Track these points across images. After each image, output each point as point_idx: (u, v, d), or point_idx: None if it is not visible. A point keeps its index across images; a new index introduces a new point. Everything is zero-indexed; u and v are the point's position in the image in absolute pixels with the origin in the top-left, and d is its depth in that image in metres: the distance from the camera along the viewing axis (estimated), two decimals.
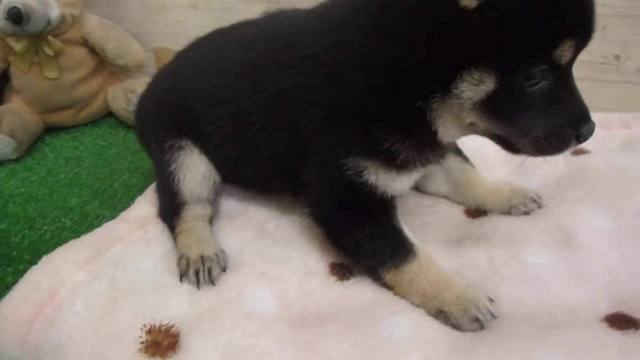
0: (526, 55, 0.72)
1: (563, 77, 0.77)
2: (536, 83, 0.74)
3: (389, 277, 0.85)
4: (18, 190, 1.40)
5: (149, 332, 0.77)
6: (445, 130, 0.82)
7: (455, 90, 0.75)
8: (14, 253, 1.17)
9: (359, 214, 0.88)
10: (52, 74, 1.57)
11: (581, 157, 1.14)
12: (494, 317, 0.78)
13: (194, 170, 1.03)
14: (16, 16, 1.43)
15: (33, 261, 1.12)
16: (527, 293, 0.82)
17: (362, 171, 0.84)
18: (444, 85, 0.75)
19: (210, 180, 1.05)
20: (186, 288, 0.87)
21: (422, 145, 0.86)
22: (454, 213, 1.04)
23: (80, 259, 0.89)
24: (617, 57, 1.42)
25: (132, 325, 0.78)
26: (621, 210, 0.97)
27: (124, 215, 1.06)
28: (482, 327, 0.77)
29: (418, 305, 0.82)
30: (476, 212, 1.04)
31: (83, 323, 0.79)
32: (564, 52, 0.73)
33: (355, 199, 0.87)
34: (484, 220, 1.01)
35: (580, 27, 0.75)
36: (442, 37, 0.73)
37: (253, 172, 1.04)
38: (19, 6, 1.43)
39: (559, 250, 0.89)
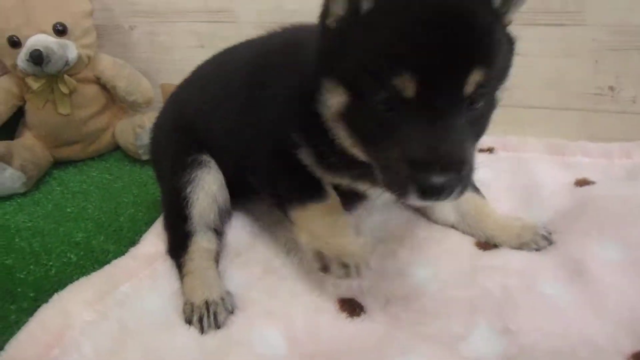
0: (368, 79, 0.69)
1: (418, 113, 0.66)
2: (384, 110, 0.68)
3: (294, 212, 0.86)
4: (25, 225, 1.35)
5: None
6: (343, 142, 0.79)
7: (321, 98, 0.76)
8: (19, 289, 1.10)
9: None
10: (65, 110, 1.56)
11: (586, 188, 1.10)
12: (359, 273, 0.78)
13: (207, 188, 1.02)
14: (38, 58, 1.44)
15: (38, 298, 1.07)
16: (546, 324, 0.77)
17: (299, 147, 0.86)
18: (317, 95, 0.77)
19: (220, 200, 1.03)
20: (194, 328, 0.81)
21: (340, 156, 0.82)
22: (465, 245, 1.00)
23: (89, 298, 0.86)
24: (611, 88, 1.39)
25: None
26: (629, 241, 0.92)
27: (133, 251, 1.02)
28: (348, 275, 0.77)
29: (303, 244, 0.84)
30: (487, 244, 0.99)
31: None
32: (403, 85, 0.65)
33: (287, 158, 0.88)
34: (495, 252, 0.96)
35: (421, 64, 0.65)
36: (319, 51, 0.77)
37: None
38: (40, 49, 1.44)
39: (572, 282, 0.85)
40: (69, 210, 1.40)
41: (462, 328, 0.79)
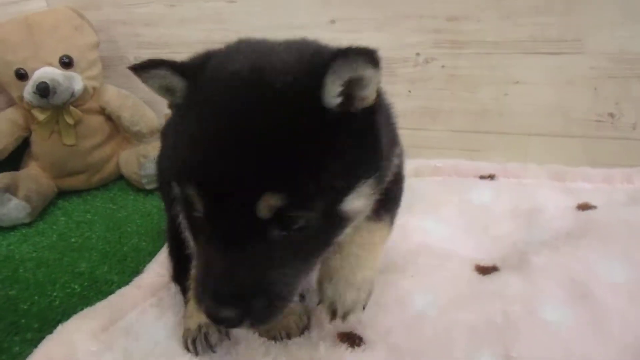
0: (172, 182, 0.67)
1: (212, 232, 0.60)
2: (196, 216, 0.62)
3: None
4: (29, 255, 1.38)
5: None
6: None
7: None
8: (22, 321, 1.13)
9: None
10: (70, 141, 1.59)
11: (589, 212, 1.12)
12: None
13: None
14: (44, 90, 1.48)
15: (42, 329, 1.09)
16: (548, 352, 0.78)
17: None
18: None
19: None
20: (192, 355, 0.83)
21: None
22: (464, 270, 1.01)
23: (94, 328, 0.88)
24: (611, 115, 1.42)
25: None
26: (634, 263, 0.93)
27: (137, 281, 1.04)
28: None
29: None
30: (486, 268, 1.00)
31: None
32: (192, 201, 0.60)
33: None
34: (495, 276, 0.97)
35: (207, 183, 0.58)
36: None
37: None
38: (47, 81, 1.48)
39: (575, 306, 0.86)
40: (73, 240, 1.43)
41: (463, 355, 0.80)
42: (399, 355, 0.81)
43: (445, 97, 1.54)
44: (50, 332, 1.06)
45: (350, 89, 0.60)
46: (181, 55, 1.77)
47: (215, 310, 0.58)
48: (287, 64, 0.61)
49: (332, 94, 0.59)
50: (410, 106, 1.58)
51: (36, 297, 1.20)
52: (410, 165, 1.42)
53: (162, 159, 0.74)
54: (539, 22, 1.36)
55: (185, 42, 1.77)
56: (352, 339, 0.85)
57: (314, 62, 0.60)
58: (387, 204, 0.83)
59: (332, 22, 1.55)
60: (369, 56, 0.57)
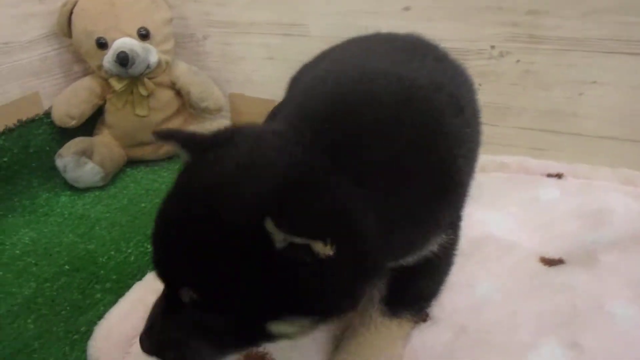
0: None
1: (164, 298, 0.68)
2: None
3: None
4: (104, 215, 1.50)
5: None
6: None
7: None
8: (102, 272, 1.25)
9: None
10: (142, 112, 1.71)
11: None
12: None
13: None
14: (124, 60, 1.60)
15: (120, 280, 1.21)
16: (615, 345, 0.81)
17: None
18: None
19: None
20: None
21: None
22: (529, 261, 1.05)
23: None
24: None
25: None
26: None
27: None
28: None
29: None
30: (552, 260, 1.05)
31: None
32: None
33: None
34: (561, 268, 1.02)
35: (154, 262, 0.65)
36: None
37: None
38: (127, 51, 1.60)
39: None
40: (143, 205, 1.55)
41: (529, 339, 0.85)
42: (463, 334, 0.87)
43: (517, 93, 1.57)
44: (128, 283, 1.18)
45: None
46: (250, 35, 1.86)
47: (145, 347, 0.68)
48: (244, 194, 0.59)
49: (277, 240, 0.56)
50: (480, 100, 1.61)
51: (112, 252, 1.32)
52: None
53: None
54: (624, 20, 1.37)
55: (254, 23, 1.85)
56: None
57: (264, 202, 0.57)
58: (409, 296, 0.84)
59: (406, 9, 1.60)
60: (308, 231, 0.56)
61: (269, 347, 0.83)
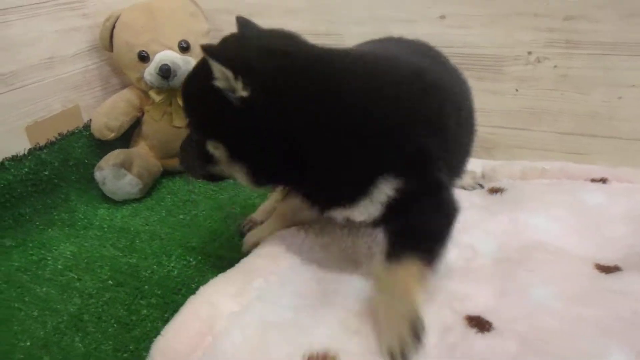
0: None
1: None
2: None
3: None
4: (143, 228, 1.52)
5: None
6: None
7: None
8: (146, 287, 1.26)
9: None
10: (180, 122, 1.73)
11: None
12: None
13: None
14: (166, 72, 1.64)
15: (164, 295, 1.21)
16: None
17: None
18: None
19: None
20: (333, 315, 0.92)
21: None
22: (584, 267, 1.04)
23: (232, 291, 0.97)
24: None
25: (289, 353, 0.83)
26: None
27: (257, 251, 1.14)
28: None
29: None
30: (608, 267, 1.04)
31: (241, 353, 0.85)
32: None
33: None
34: (618, 276, 1.01)
35: None
36: None
37: None
38: (169, 63, 1.64)
39: None
40: (181, 217, 1.57)
41: (592, 347, 0.84)
42: (527, 343, 0.87)
43: (555, 98, 1.57)
44: (173, 298, 1.20)
45: None
46: None
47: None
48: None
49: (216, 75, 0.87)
50: (516, 105, 1.62)
51: (155, 267, 1.33)
52: (515, 167, 1.48)
53: None
54: None
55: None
56: (481, 324, 0.91)
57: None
58: (407, 239, 0.91)
59: (442, 17, 1.61)
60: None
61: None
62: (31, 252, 1.43)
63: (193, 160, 1.05)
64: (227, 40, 0.98)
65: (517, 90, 1.61)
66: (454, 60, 1.62)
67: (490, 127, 1.67)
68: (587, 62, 1.50)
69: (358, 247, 1.16)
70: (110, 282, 1.29)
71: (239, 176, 1.00)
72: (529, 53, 1.54)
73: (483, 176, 1.48)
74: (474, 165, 1.53)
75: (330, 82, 0.89)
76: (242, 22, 1.07)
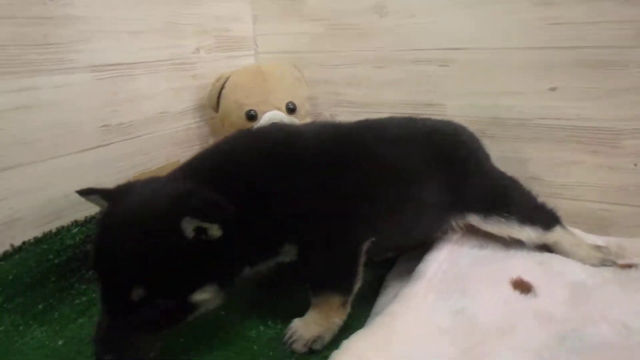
0: None
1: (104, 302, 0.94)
2: None
3: None
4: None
5: None
6: None
7: None
8: (255, 347, 1.19)
9: None
10: None
11: None
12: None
13: None
14: None
15: (277, 357, 1.14)
16: None
17: None
18: None
19: None
20: None
21: None
22: None
23: (378, 346, 0.94)
24: None
25: None
26: None
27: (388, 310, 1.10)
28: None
29: None
30: None
31: None
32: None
33: None
34: None
35: (99, 271, 0.93)
36: None
37: None
38: (277, 122, 1.68)
39: None
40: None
41: None
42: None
43: None
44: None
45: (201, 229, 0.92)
46: (382, 114, 1.90)
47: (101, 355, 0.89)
48: (157, 207, 0.93)
49: (188, 232, 0.90)
50: (635, 181, 1.57)
51: (261, 327, 1.27)
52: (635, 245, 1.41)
53: None
54: None
55: (386, 103, 1.92)
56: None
57: (175, 209, 0.91)
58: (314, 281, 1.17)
59: (552, 89, 1.62)
60: (210, 217, 0.91)
61: None
62: None
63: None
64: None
65: (635, 165, 1.57)
66: (564, 134, 1.63)
67: (606, 204, 1.62)
68: None
69: None
70: (216, 340, 1.23)
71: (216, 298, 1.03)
72: None
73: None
74: (594, 240, 1.47)
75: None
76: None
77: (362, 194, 1.17)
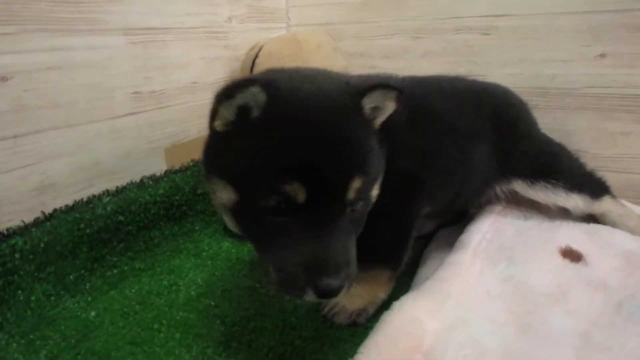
0: (257, 184, 0.79)
1: (307, 218, 0.78)
2: (273, 215, 0.79)
3: None
4: None
5: None
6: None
7: (212, 187, 0.90)
8: (292, 319, 1.16)
9: None
10: None
11: None
12: None
13: None
14: None
15: (318, 329, 1.12)
16: None
17: None
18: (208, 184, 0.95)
19: None
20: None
21: None
22: None
23: (429, 308, 0.91)
24: None
25: None
26: None
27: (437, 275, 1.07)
28: None
29: None
30: None
31: None
32: (294, 192, 0.77)
33: None
34: None
35: (309, 174, 0.77)
36: (208, 148, 0.94)
37: None
38: None
39: None
40: None
41: None
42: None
43: None
44: (327, 333, 1.10)
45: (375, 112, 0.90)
46: None
47: (334, 281, 0.76)
48: (337, 90, 0.87)
49: (367, 111, 0.88)
50: None
51: (298, 300, 1.23)
52: None
53: (231, 165, 0.87)
54: None
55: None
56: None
57: (352, 90, 0.87)
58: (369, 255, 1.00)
59: (602, 55, 1.55)
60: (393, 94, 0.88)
61: None
62: (161, 276, 1.38)
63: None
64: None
65: None
66: (612, 103, 1.55)
67: None
68: None
69: None
70: (251, 311, 1.20)
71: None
72: None
73: None
74: None
75: None
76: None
77: (424, 156, 1.09)
